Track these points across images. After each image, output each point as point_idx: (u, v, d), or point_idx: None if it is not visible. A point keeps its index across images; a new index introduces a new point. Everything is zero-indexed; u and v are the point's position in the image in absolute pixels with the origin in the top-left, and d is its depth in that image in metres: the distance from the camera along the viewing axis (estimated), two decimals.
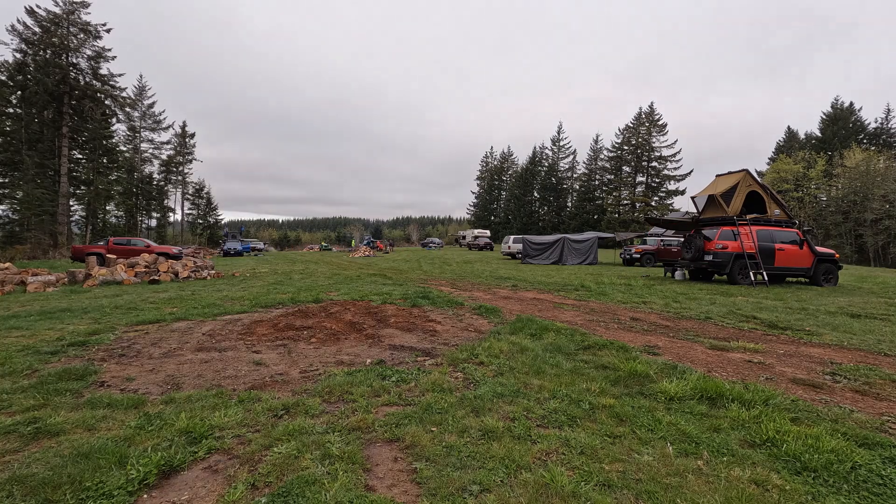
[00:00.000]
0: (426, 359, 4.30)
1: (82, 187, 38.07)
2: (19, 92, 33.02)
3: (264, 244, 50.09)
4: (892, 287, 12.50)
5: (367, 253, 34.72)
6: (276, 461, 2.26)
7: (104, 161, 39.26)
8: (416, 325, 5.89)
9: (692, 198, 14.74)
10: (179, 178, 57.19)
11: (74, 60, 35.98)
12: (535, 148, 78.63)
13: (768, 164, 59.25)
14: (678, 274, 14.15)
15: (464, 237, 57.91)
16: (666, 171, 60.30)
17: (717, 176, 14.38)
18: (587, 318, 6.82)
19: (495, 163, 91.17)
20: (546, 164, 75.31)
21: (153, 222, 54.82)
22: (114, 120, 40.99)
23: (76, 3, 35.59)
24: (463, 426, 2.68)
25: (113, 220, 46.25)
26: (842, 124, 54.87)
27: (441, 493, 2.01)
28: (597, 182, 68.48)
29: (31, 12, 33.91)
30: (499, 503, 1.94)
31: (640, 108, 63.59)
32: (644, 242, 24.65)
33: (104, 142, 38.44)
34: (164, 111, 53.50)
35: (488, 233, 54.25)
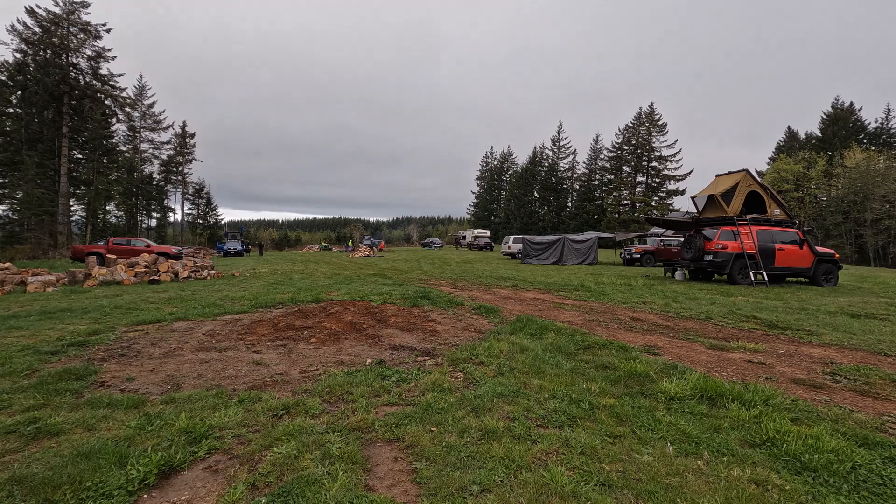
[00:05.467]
0: (426, 359, 4.30)
1: (82, 187, 38.04)
2: (19, 92, 33.03)
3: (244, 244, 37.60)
4: (892, 287, 12.50)
5: (367, 253, 34.73)
6: (276, 461, 2.26)
7: (104, 161, 39.20)
8: (416, 325, 5.88)
9: (692, 198, 14.74)
10: (179, 178, 57.20)
11: (74, 60, 35.99)
12: (535, 148, 78.75)
13: (768, 164, 59.24)
14: (678, 274, 14.14)
15: (464, 237, 57.87)
16: (666, 171, 60.30)
17: (717, 176, 14.38)
18: (587, 318, 6.82)
19: (495, 163, 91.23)
20: (546, 164, 75.30)
21: (153, 222, 54.81)
22: (114, 120, 41.00)
23: (76, 3, 35.60)
24: (463, 426, 2.68)
25: (113, 220, 46.22)
26: (842, 124, 54.85)
27: (441, 493, 2.01)
28: (597, 182, 68.47)
29: (31, 12, 33.92)
30: (499, 503, 1.94)
31: (640, 108, 63.60)
32: (644, 242, 24.66)
33: (104, 142, 38.38)
34: (164, 111, 53.50)
35: (488, 233, 54.24)
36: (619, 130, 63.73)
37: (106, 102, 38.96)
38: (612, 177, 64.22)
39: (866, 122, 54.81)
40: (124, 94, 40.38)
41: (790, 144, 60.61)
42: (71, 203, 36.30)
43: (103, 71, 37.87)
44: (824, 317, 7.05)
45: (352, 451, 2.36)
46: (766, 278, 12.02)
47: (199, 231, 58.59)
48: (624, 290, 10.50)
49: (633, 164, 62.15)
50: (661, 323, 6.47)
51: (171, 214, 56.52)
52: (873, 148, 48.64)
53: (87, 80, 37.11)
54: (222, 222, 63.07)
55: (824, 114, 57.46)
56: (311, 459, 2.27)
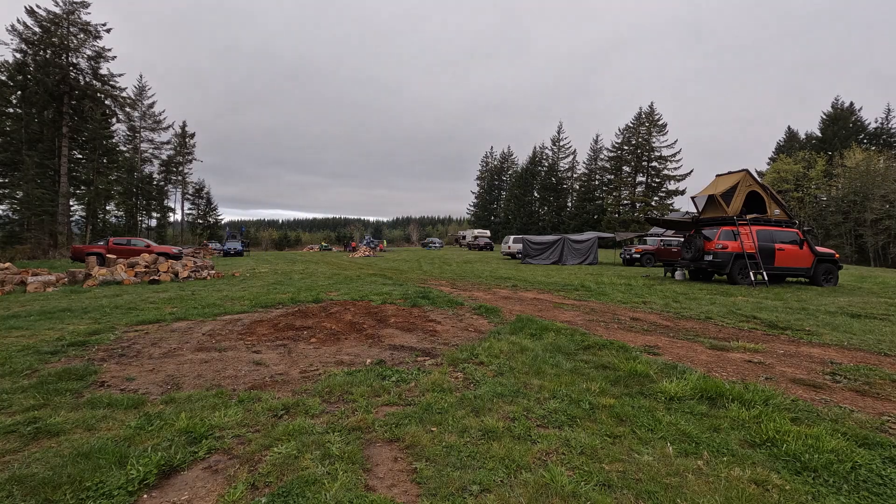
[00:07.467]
0: (426, 359, 4.30)
1: (82, 187, 38.07)
2: (19, 92, 33.04)
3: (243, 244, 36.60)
4: (892, 287, 12.50)
5: (367, 253, 34.74)
6: (276, 461, 2.26)
7: (104, 161, 39.23)
8: (416, 325, 5.88)
9: (692, 198, 14.74)
10: (179, 178, 57.23)
11: (74, 60, 36.01)
12: (535, 148, 78.79)
13: (768, 164, 59.23)
14: (678, 274, 14.14)
15: (464, 237, 57.92)
16: (666, 171, 60.24)
17: (717, 176, 14.38)
18: (587, 318, 6.82)
19: (495, 163, 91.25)
20: (546, 164, 75.31)
21: (153, 222, 54.86)
22: (114, 120, 41.03)
23: (76, 3, 35.61)
24: (463, 426, 2.68)
25: (113, 220, 46.25)
26: (842, 124, 54.83)
27: (441, 493, 2.00)
28: (597, 182, 68.45)
29: (31, 12, 33.93)
30: (499, 503, 1.94)
31: (640, 108, 63.58)
32: (644, 242, 24.66)
33: (104, 142, 38.42)
34: (164, 111, 53.54)
35: (488, 233, 54.27)
36: (619, 130, 63.76)
37: (106, 102, 38.97)
38: (612, 177, 64.17)
39: (866, 122, 54.79)
40: (124, 94, 40.41)
41: (790, 144, 60.59)
42: (71, 203, 36.31)
43: (103, 71, 37.93)
44: (824, 317, 7.05)
45: (352, 451, 2.36)
46: (766, 278, 12.02)
47: (199, 231, 58.60)
48: (624, 290, 10.50)
49: (633, 164, 62.09)
50: (661, 323, 6.47)
51: (171, 214, 56.60)
52: (873, 148, 48.63)
53: (87, 80, 37.12)
54: (222, 222, 63.12)
55: (824, 114, 57.47)
56: (311, 459, 2.27)
